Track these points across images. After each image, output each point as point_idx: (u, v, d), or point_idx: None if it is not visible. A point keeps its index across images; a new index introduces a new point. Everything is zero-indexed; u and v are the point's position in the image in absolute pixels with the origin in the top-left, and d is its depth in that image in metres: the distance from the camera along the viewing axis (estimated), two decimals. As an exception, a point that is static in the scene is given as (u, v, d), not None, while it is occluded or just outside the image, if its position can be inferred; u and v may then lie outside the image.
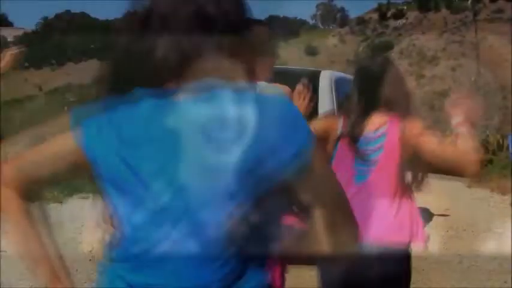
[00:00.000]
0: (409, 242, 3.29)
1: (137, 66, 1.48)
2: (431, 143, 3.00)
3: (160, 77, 1.46)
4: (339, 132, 3.28)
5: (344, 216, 1.46)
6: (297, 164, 1.36)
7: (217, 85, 1.40)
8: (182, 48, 1.43)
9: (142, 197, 1.46)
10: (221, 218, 1.36)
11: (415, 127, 3.10)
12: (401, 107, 3.23)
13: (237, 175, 1.34)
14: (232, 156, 1.33)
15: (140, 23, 1.50)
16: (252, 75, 1.52)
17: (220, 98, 1.39)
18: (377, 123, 3.22)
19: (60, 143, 1.75)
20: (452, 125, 3.00)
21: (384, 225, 3.10)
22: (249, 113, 1.36)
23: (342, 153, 3.24)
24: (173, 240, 1.41)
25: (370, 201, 3.06)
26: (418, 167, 3.15)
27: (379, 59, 3.35)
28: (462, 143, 2.92)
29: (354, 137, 3.22)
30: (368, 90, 3.30)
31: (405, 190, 3.17)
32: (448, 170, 3.05)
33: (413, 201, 3.25)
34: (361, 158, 3.18)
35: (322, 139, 3.25)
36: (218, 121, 1.36)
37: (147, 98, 1.45)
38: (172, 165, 1.39)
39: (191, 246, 1.39)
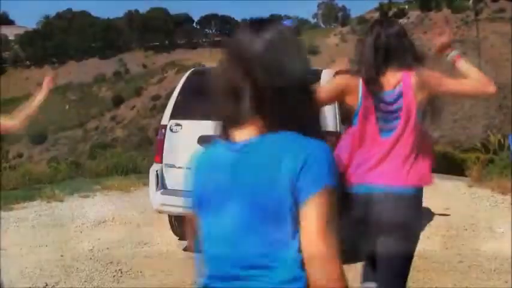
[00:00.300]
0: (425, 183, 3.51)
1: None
2: (449, 84, 3.42)
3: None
4: (360, 90, 3.50)
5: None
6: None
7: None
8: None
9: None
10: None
11: (429, 77, 3.43)
12: (411, 61, 3.51)
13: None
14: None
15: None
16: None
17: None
18: (393, 81, 3.47)
19: None
20: (451, 61, 3.57)
21: (405, 171, 3.37)
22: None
23: (366, 111, 3.46)
24: None
25: (395, 152, 3.40)
26: (435, 108, 3.49)
27: (389, 21, 3.67)
28: (471, 73, 3.49)
29: (375, 95, 3.45)
30: (381, 50, 3.53)
31: (424, 137, 3.47)
32: (472, 96, 3.64)
33: (430, 146, 3.60)
34: (384, 115, 3.44)
35: (342, 94, 3.63)
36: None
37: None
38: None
39: None
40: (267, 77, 1.75)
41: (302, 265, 1.65)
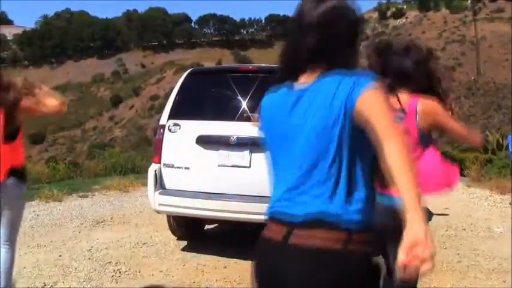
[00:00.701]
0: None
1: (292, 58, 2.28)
2: (452, 130, 3.53)
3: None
4: None
5: None
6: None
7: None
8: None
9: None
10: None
11: (435, 114, 3.48)
12: (423, 85, 3.53)
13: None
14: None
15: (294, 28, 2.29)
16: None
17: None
18: (398, 103, 3.48)
19: None
20: None
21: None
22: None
23: None
24: None
25: None
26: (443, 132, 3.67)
27: (402, 40, 3.60)
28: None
29: None
30: (391, 70, 3.46)
31: (433, 151, 3.56)
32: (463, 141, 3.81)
33: (436, 153, 3.61)
34: None
35: None
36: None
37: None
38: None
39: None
40: (327, 31, 2.19)
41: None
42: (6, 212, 4.62)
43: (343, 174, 2.06)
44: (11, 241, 4.67)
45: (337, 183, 2.07)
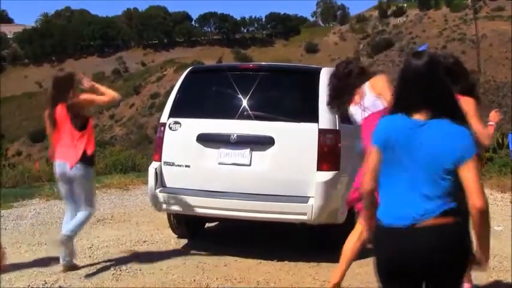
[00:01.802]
0: None
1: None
2: (473, 122, 3.97)
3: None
4: None
5: None
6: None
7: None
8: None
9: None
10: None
11: (467, 107, 3.94)
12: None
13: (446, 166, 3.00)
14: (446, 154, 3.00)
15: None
16: None
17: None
18: None
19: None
20: None
21: None
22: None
23: None
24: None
25: None
26: None
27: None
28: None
29: None
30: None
31: None
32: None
33: None
34: None
35: None
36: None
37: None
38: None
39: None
40: (434, 85, 3.11)
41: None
42: (79, 192, 6.15)
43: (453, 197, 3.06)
44: (90, 204, 6.32)
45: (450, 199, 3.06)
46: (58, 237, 6.10)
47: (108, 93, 6.32)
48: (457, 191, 3.02)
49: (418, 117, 3.08)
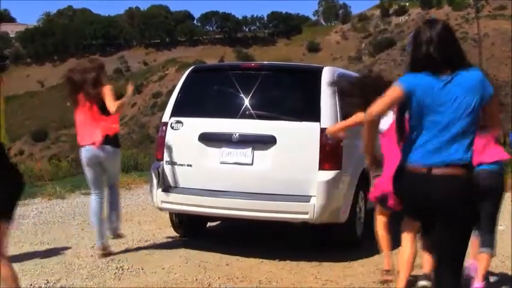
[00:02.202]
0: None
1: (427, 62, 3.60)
2: (492, 121, 4.21)
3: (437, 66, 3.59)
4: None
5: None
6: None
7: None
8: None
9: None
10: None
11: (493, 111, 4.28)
12: None
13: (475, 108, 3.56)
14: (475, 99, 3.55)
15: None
16: None
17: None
18: None
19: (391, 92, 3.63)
20: None
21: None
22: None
23: None
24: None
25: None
26: None
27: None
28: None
29: None
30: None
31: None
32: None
33: None
34: None
35: None
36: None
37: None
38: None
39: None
40: (451, 45, 3.64)
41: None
42: (110, 168, 6.71)
43: (472, 136, 3.62)
44: (115, 184, 6.93)
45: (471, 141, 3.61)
46: (95, 226, 6.77)
47: (117, 106, 6.48)
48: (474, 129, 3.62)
49: (442, 74, 3.56)
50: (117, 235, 6.99)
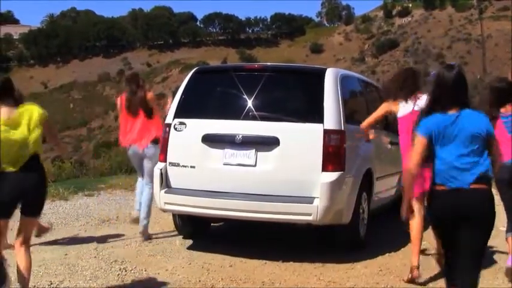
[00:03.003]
0: None
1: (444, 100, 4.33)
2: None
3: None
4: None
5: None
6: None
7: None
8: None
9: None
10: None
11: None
12: None
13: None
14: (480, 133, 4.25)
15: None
16: None
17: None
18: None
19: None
20: None
21: None
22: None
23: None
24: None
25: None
26: None
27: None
28: None
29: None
30: None
31: None
32: None
33: None
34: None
35: None
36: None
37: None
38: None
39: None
40: (463, 88, 4.36)
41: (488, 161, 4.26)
42: (148, 165, 7.55)
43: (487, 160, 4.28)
44: (151, 182, 7.43)
45: (486, 162, 4.27)
46: (134, 216, 7.88)
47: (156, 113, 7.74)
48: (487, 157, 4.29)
49: (452, 111, 4.26)
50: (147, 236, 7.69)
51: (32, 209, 5.12)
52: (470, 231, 4.22)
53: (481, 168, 4.22)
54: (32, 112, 4.96)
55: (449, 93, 4.29)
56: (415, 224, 6.23)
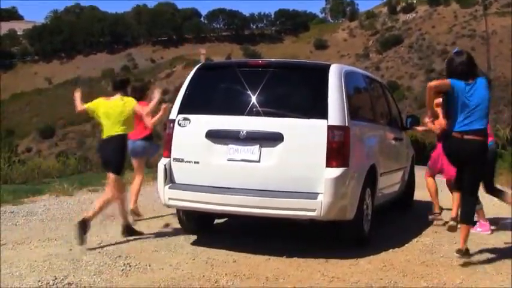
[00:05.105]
0: None
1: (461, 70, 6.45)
2: None
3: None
4: None
5: None
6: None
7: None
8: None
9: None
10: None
11: None
12: None
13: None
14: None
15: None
16: None
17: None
18: None
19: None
20: None
21: None
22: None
23: None
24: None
25: None
26: None
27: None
28: None
29: None
30: None
31: None
32: None
33: None
34: None
35: None
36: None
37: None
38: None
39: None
40: (472, 66, 6.47)
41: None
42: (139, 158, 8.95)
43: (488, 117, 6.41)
44: (141, 172, 9.08)
45: (487, 119, 6.40)
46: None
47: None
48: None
49: (469, 80, 6.30)
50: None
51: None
52: (470, 164, 6.42)
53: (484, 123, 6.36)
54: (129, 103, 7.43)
55: (464, 71, 6.33)
56: (431, 184, 8.68)
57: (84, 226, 6.90)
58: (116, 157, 7.33)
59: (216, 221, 8.18)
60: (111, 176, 7.37)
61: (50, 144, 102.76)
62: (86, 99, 7.67)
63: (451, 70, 6.40)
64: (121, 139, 7.33)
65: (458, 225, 6.71)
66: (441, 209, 8.74)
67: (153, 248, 6.98)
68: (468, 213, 6.54)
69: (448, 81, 6.25)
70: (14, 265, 6.11)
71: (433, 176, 8.73)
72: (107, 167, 7.51)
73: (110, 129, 7.33)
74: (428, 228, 8.31)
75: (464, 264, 6.37)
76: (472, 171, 6.45)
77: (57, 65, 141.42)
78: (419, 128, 9.70)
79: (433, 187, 8.71)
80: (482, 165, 6.53)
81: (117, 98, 7.43)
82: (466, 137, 6.28)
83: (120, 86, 7.60)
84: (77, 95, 7.63)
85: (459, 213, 6.75)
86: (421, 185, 9.54)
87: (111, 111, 7.32)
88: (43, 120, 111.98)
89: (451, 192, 7.75)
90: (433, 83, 6.31)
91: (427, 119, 7.21)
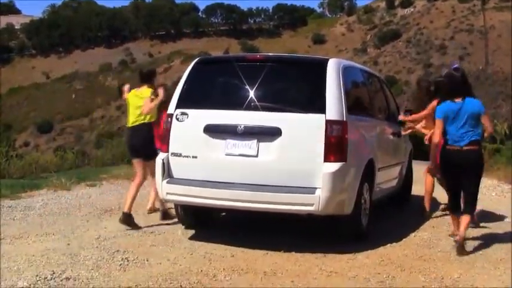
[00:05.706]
0: None
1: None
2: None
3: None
4: None
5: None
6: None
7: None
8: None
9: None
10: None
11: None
12: None
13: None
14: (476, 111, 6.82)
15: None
16: None
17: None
18: None
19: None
20: None
21: None
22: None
23: None
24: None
25: None
26: None
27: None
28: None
29: None
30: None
31: None
32: None
33: None
34: None
35: None
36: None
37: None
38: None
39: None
40: (466, 84, 6.94)
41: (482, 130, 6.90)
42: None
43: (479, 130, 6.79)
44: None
45: (478, 132, 6.77)
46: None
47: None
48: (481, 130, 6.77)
49: (458, 100, 6.70)
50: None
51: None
52: (466, 175, 6.80)
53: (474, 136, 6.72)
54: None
55: (457, 88, 6.79)
56: (429, 184, 8.76)
57: (165, 216, 8.19)
58: (145, 144, 7.90)
59: (214, 215, 8.18)
60: (140, 162, 8.05)
61: (47, 138, 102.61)
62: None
63: (452, 86, 6.85)
64: (147, 127, 7.92)
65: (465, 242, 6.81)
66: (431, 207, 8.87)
67: (150, 242, 6.99)
68: (472, 204, 7.00)
69: (439, 120, 6.82)
70: (12, 259, 6.11)
71: (434, 175, 8.43)
72: (136, 153, 8.08)
73: (137, 118, 7.95)
74: (425, 223, 8.32)
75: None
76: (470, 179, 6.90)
77: (55, 60, 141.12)
78: (404, 131, 9.48)
79: (430, 187, 8.74)
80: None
81: (144, 89, 8.04)
82: (464, 148, 6.75)
83: (147, 77, 8.28)
84: (126, 87, 8.34)
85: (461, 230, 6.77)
86: (419, 179, 9.55)
87: (138, 102, 7.95)
88: (41, 115, 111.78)
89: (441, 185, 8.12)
90: (435, 140, 6.91)
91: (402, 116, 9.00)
